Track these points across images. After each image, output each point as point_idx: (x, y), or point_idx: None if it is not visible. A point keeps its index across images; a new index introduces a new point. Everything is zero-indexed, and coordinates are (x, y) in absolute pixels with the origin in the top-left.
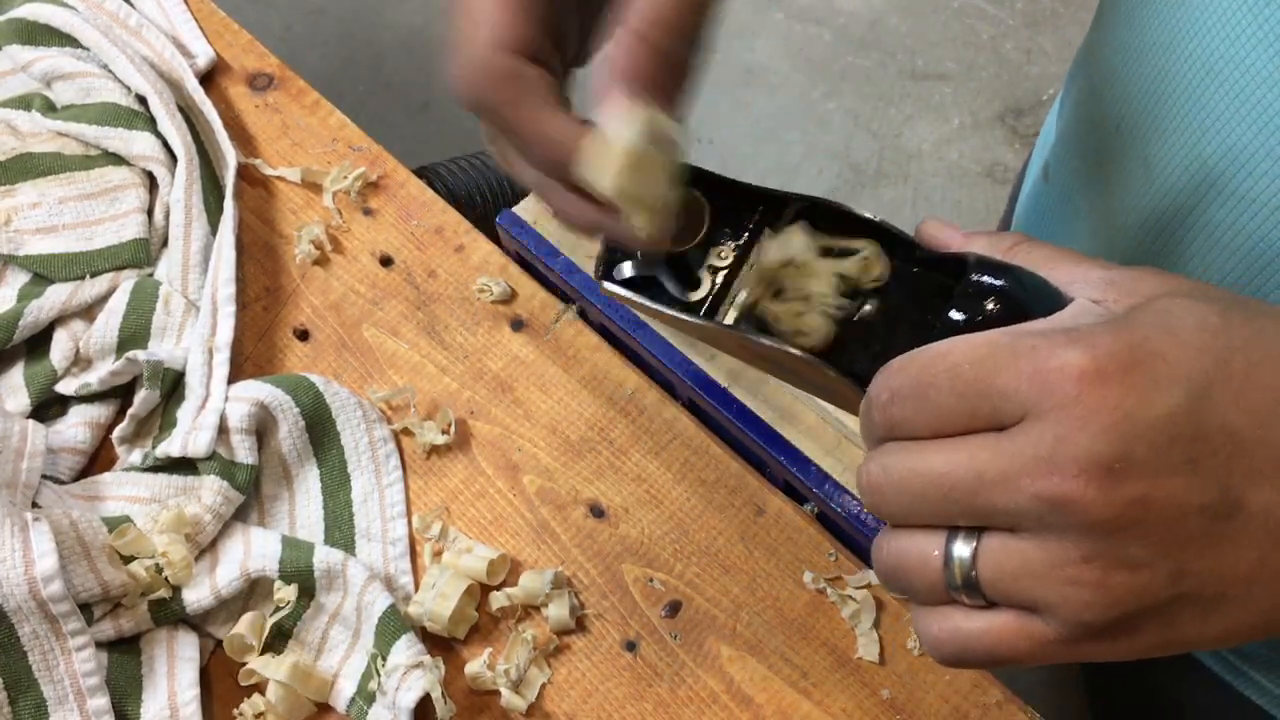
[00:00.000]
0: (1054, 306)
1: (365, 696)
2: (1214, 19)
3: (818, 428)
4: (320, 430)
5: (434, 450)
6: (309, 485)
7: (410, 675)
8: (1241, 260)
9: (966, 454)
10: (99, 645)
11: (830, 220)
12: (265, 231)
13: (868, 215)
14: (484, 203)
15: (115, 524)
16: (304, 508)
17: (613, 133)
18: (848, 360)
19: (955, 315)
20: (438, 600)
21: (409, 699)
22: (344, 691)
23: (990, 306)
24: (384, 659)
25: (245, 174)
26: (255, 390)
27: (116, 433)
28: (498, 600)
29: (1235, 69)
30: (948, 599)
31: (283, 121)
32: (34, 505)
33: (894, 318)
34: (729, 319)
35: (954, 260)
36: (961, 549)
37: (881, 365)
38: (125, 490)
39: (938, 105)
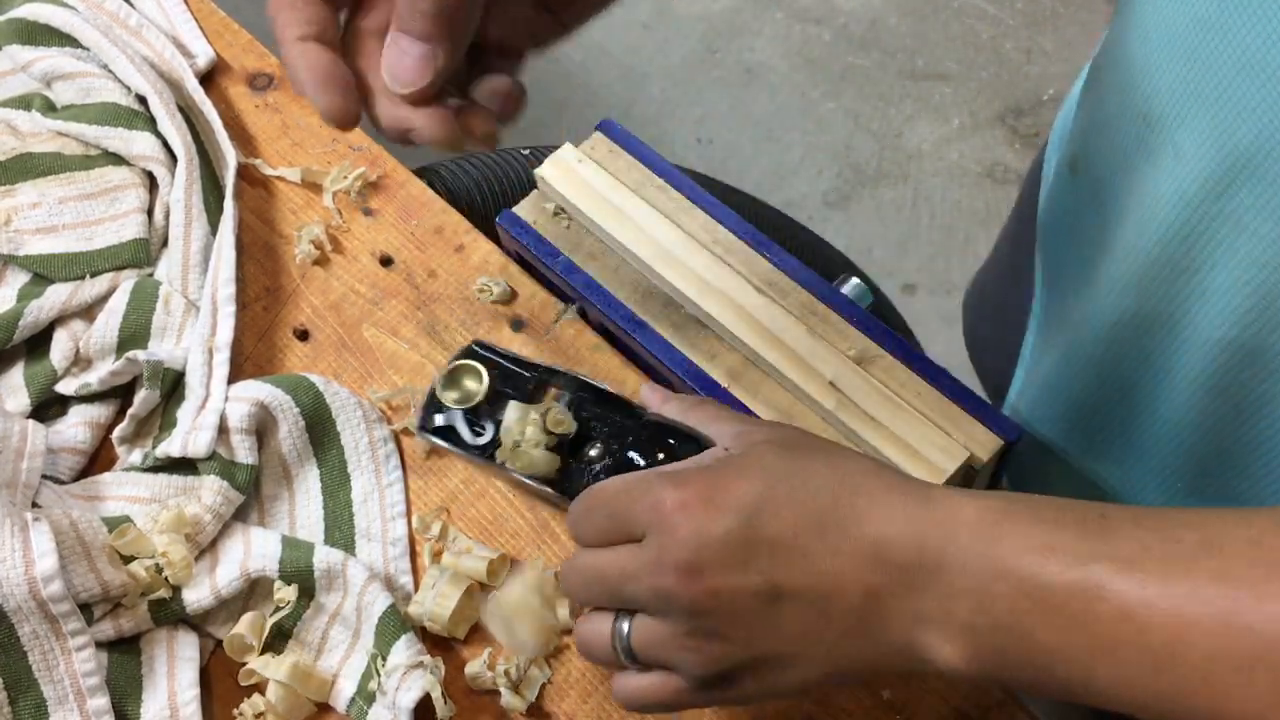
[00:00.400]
0: (700, 449)
1: (365, 696)
2: (1249, 6)
3: (817, 428)
4: (320, 430)
5: (434, 450)
6: (309, 485)
7: (410, 675)
8: (1264, 240)
9: (614, 557)
10: (99, 645)
11: (577, 388)
12: (265, 231)
13: (605, 387)
14: (484, 203)
15: (115, 524)
16: (304, 508)
17: (503, 594)
18: (573, 488)
19: (633, 455)
20: (438, 600)
21: (409, 699)
22: (344, 691)
23: (658, 452)
24: (384, 659)
25: (245, 174)
26: (255, 390)
27: (116, 433)
28: None
29: (1270, 54)
30: (621, 665)
31: (283, 121)
32: (34, 505)
33: (603, 455)
34: (500, 459)
35: (652, 420)
36: (622, 627)
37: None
38: (125, 490)
39: (938, 105)
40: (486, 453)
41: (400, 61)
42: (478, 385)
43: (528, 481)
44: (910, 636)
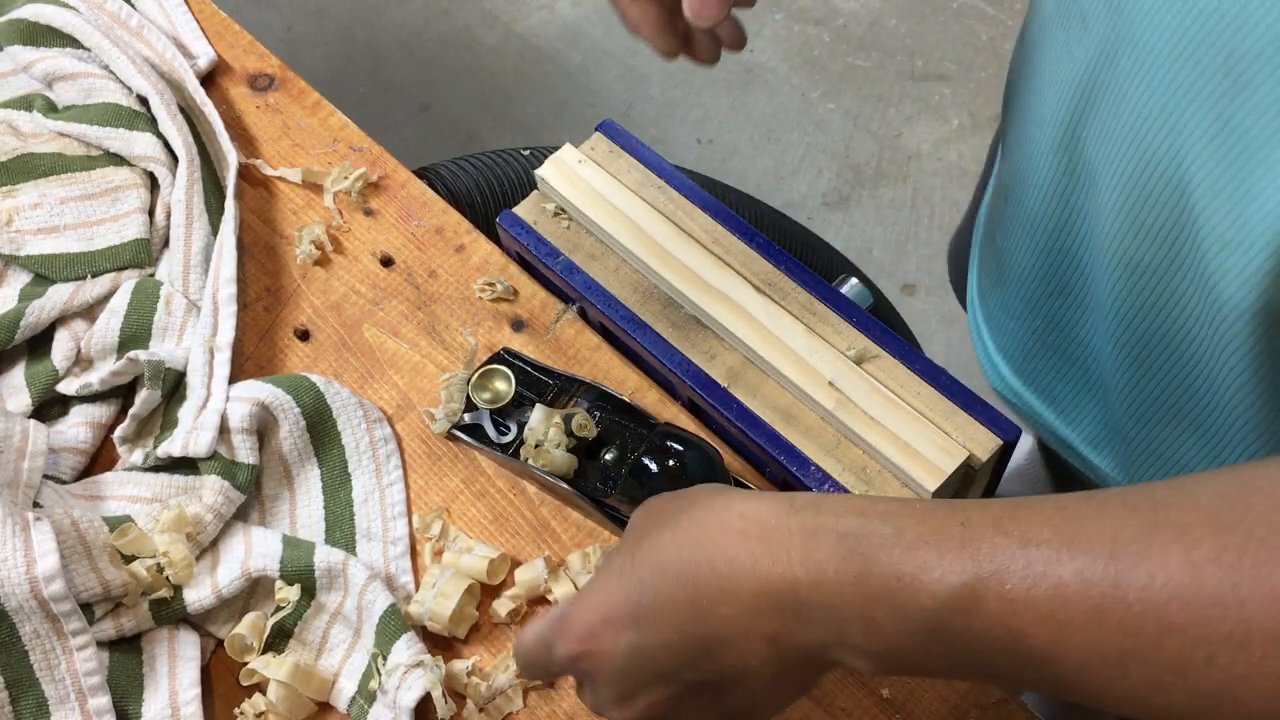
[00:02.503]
0: (704, 454)
1: (366, 696)
2: None
3: (817, 428)
4: (321, 430)
5: (434, 450)
6: (310, 485)
7: (411, 675)
8: (1141, 110)
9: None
10: (100, 644)
11: (596, 397)
12: (266, 232)
13: (623, 397)
14: (484, 203)
15: (116, 523)
16: (305, 507)
17: None
18: (588, 486)
19: (646, 460)
20: (438, 599)
21: (409, 698)
22: (344, 691)
23: (669, 459)
24: (384, 658)
25: (246, 174)
26: (256, 390)
27: (118, 432)
28: (504, 606)
29: None
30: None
31: (284, 122)
32: (35, 505)
33: (620, 460)
34: (523, 457)
35: (663, 429)
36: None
37: (609, 490)
38: (126, 490)
39: (937, 106)
40: (510, 450)
41: (703, 2)
42: (507, 386)
43: (547, 478)
44: (826, 657)
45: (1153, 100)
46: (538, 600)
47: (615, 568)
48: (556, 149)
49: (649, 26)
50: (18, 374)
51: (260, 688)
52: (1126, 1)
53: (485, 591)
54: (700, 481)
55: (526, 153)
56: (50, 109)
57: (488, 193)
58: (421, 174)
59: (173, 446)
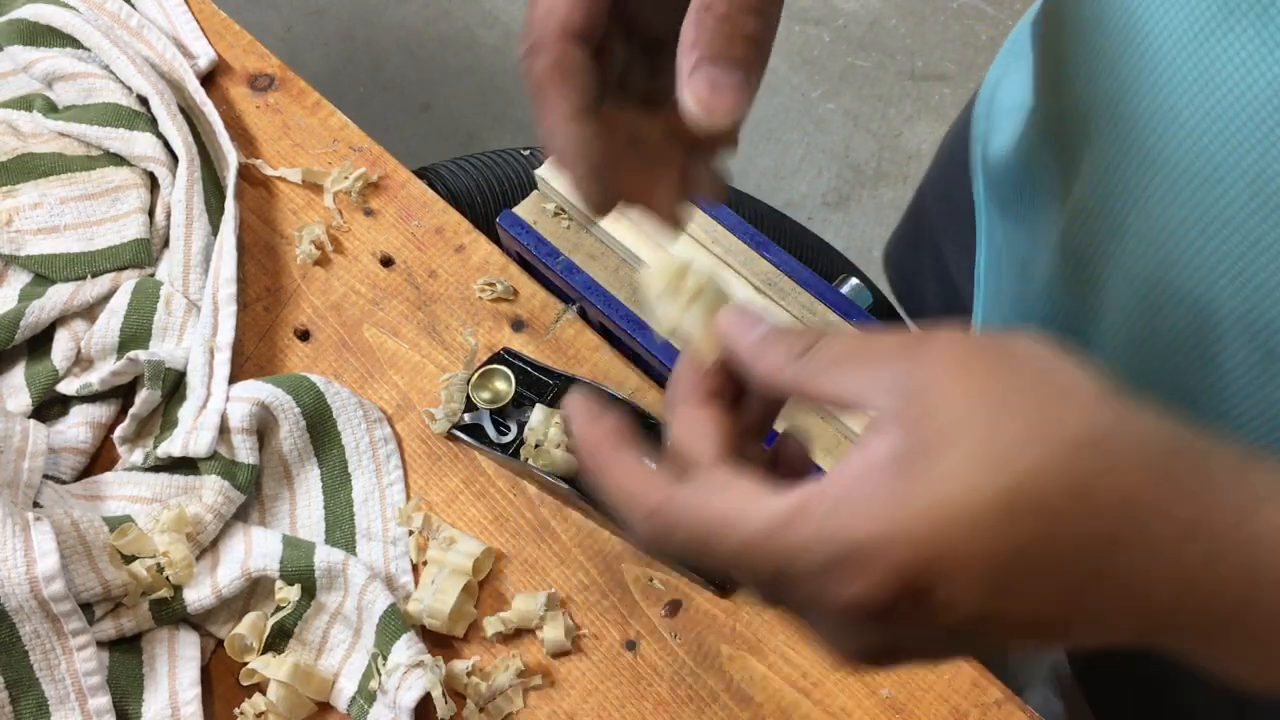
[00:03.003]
0: None
1: (366, 696)
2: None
3: (818, 428)
4: (321, 430)
5: (434, 450)
6: (310, 485)
7: (411, 674)
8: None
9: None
10: (100, 644)
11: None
12: (266, 232)
13: (624, 396)
14: (484, 203)
15: (116, 523)
16: (305, 507)
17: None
18: (588, 486)
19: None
20: (437, 596)
21: (409, 698)
22: (345, 691)
23: None
24: (385, 658)
25: (246, 174)
26: (256, 390)
27: (118, 432)
28: (492, 625)
29: (1101, 33)
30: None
31: (284, 122)
32: (35, 505)
33: None
34: (523, 457)
35: (661, 428)
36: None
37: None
38: (126, 490)
39: (937, 106)
40: (510, 450)
41: (715, 93)
42: (507, 386)
43: (547, 478)
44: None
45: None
46: (527, 630)
47: (945, 471)
48: None
49: (584, 163)
50: (18, 374)
51: (260, 688)
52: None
53: (484, 588)
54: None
55: (526, 152)
56: (50, 109)
57: (488, 193)
58: (421, 174)
59: (173, 446)
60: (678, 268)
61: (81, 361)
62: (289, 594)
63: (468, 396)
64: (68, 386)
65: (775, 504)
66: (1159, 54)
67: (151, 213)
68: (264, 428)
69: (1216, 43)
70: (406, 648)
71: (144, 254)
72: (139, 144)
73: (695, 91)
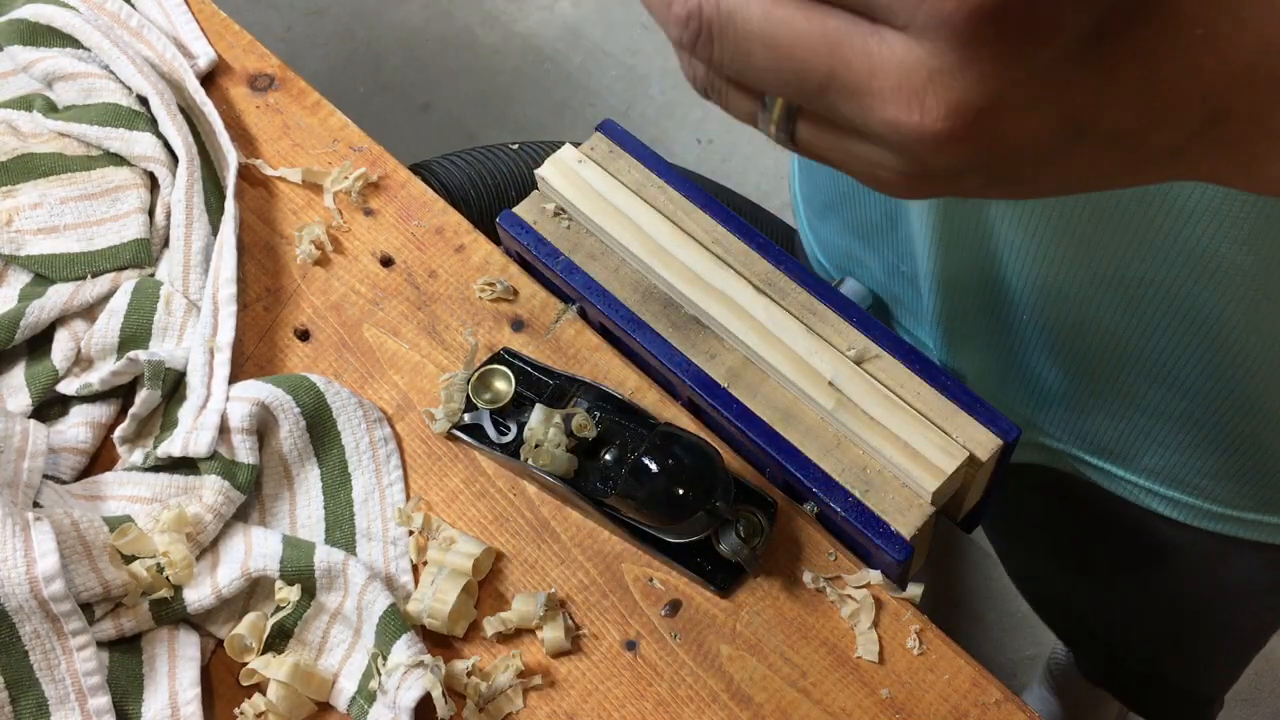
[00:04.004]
0: (707, 459)
1: (366, 696)
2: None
3: (818, 428)
4: (321, 430)
5: (434, 450)
6: (310, 485)
7: (411, 674)
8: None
9: (824, 38)
10: (100, 645)
11: (596, 397)
12: (266, 232)
13: (622, 397)
14: (479, 197)
15: (116, 523)
16: (305, 507)
17: None
18: (587, 486)
19: (646, 460)
20: (437, 596)
21: (410, 698)
22: (344, 691)
23: (669, 459)
24: (385, 658)
25: (246, 174)
26: (256, 390)
27: (118, 432)
28: (492, 626)
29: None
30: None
31: (283, 122)
32: (35, 505)
33: (620, 460)
34: (524, 457)
35: (663, 429)
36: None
37: (609, 490)
38: (126, 490)
39: None
40: (510, 450)
41: None
42: (507, 386)
43: (547, 478)
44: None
45: None
46: (527, 630)
47: None
48: (549, 144)
49: None
50: (18, 374)
51: (260, 688)
52: None
53: (484, 588)
54: (699, 481)
55: (515, 147)
56: (50, 109)
57: (481, 187)
58: (416, 170)
59: (173, 446)
60: None
61: (81, 361)
62: (289, 594)
63: (468, 396)
64: (68, 386)
65: None
66: None
67: (151, 213)
68: (264, 428)
69: None
70: (406, 648)
71: (144, 254)
72: (139, 144)
73: None
